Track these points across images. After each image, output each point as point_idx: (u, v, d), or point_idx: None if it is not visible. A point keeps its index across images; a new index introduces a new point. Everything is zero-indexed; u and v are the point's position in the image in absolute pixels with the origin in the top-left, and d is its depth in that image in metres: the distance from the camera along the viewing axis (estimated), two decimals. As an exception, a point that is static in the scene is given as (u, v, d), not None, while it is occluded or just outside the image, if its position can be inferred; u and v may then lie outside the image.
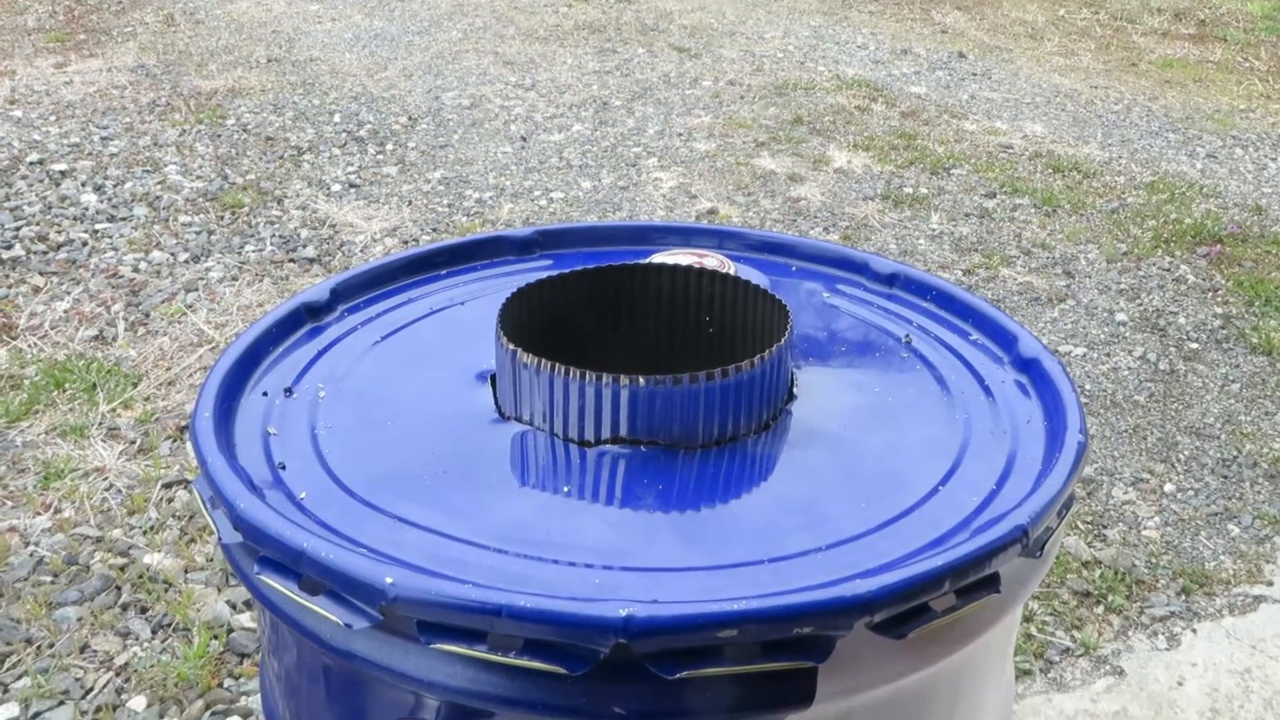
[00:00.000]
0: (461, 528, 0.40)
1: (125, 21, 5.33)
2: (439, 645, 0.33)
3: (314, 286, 0.56)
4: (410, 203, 3.31)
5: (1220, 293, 2.92)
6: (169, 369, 2.41)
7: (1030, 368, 0.51)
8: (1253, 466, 2.22)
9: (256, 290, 2.76)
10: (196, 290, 2.75)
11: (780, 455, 0.45)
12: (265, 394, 0.49)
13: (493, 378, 0.50)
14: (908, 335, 0.57)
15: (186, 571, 1.79)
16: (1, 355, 2.45)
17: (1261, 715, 1.62)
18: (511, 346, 0.45)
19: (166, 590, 1.75)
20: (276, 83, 4.39)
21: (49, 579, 1.76)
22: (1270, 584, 1.90)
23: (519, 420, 0.47)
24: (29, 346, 2.50)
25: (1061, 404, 0.46)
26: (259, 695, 1.57)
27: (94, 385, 2.31)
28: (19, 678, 1.58)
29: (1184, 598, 1.86)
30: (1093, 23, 5.95)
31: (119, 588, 1.76)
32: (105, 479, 2.01)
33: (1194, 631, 1.79)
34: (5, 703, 1.54)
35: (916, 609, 0.35)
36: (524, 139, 3.89)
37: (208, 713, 1.55)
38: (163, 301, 2.69)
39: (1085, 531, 2.01)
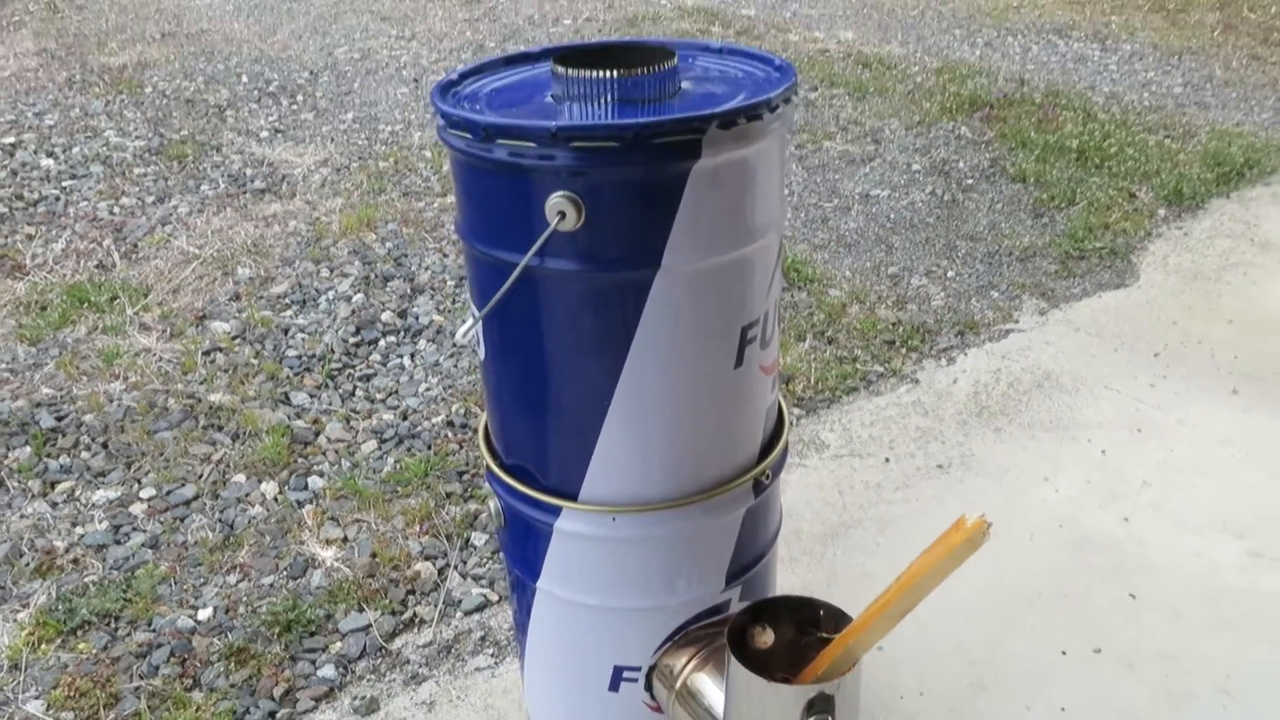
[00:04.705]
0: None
1: (10, 10, 5.58)
2: (573, 144, 0.99)
3: (446, 75, 1.21)
4: (332, 140, 3.85)
5: (990, 143, 3.75)
6: (170, 281, 2.94)
7: (781, 69, 1.21)
8: (1008, 255, 3.03)
9: (223, 216, 3.29)
10: (171, 223, 3.26)
11: (679, 105, 1.14)
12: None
13: (553, 96, 1.16)
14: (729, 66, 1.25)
15: (244, 402, 2.38)
16: (21, 288, 2.94)
17: (1006, 393, 2.42)
18: (563, 68, 1.12)
19: (233, 414, 2.34)
20: (178, 53, 4.81)
21: (140, 418, 2.33)
22: (1017, 322, 2.71)
23: (570, 100, 1.14)
24: (41, 280, 2.98)
25: (793, 80, 1.16)
26: (326, 466, 2.19)
27: (114, 297, 2.83)
28: (146, 474, 2.16)
29: (960, 336, 2.65)
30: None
31: (196, 417, 2.33)
32: (154, 355, 2.56)
33: (965, 354, 2.58)
34: (145, 487, 2.12)
35: (734, 121, 1.03)
36: (416, 80, 4.45)
37: (292, 477, 2.16)
38: (145, 235, 3.20)
39: (892, 306, 2.78)
